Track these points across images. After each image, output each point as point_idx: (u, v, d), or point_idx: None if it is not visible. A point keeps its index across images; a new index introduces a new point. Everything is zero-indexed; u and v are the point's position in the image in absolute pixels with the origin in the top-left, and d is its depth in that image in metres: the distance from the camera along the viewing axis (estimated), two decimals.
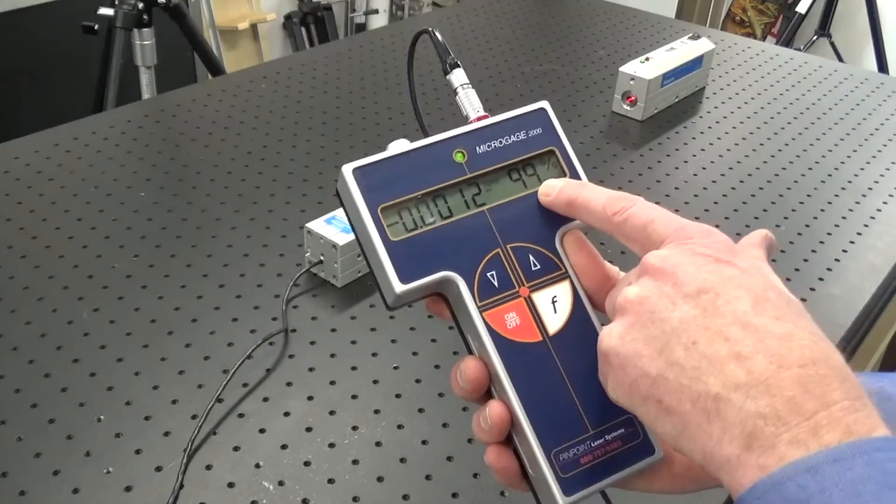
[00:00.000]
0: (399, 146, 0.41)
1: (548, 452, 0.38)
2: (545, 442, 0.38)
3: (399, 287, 0.38)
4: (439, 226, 0.40)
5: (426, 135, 0.42)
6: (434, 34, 0.48)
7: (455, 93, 0.46)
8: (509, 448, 0.39)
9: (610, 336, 0.36)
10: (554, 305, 0.40)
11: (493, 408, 0.38)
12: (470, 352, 0.40)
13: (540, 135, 0.43)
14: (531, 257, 0.41)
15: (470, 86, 0.46)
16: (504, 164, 0.42)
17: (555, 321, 0.40)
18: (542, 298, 0.40)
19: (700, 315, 0.33)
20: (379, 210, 0.39)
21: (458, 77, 0.47)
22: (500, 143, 0.42)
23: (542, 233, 0.41)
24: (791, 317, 0.33)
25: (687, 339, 0.33)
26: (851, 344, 0.79)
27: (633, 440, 0.39)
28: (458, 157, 0.41)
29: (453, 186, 0.40)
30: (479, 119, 0.44)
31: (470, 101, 0.46)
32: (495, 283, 0.40)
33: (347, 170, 0.39)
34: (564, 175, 0.42)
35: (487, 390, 0.40)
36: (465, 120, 0.45)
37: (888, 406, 0.39)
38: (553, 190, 0.41)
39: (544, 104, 0.43)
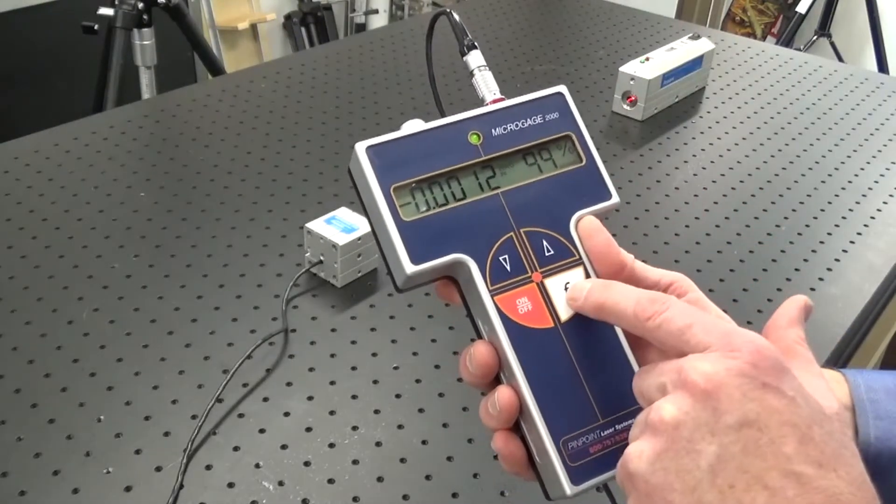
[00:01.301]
0: (413, 126, 0.40)
1: (556, 440, 0.38)
2: (554, 430, 0.38)
3: (410, 268, 0.38)
4: (452, 207, 0.39)
5: (443, 115, 0.42)
6: (452, 15, 0.48)
7: (471, 75, 0.46)
8: (517, 434, 0.39)
9: (640, 458, 0.33)
10: (566, 292, 0.40)
11: (502, 393, 0.38)
12: (480, 337, 0.40)
13: (557, 119, 0.42)
14: (545, 242, 0.40)
15: (486, 68, 0.46)
16: (520, 147, 0.41)
17: (567, 308, 0.40)
18: (554, 284, 0.40)
19: (740, 453, 0.31)
20: (392, 189, 0.39)
21: (475, 59, 0.46)
22: (517, 126, 0.41)
23: (556, 218, 0.41)
24: (833, 460, 0.31)
25: (723, 482, 0.31)
26: (851, 344, 0.79)
27: None
28: (474, 139, 0.41)
29: (467, 168, 0.40)
30: (495, 101, 0.44)
31: (486, 84, 0.45)
32: (507, 268, 0.39)
33: (361, 148, 0.39)
34: (580, 161, 0.42)
35: (496, 376, 0.39)
36: (480, 102, 0.44)
37: None
38: (580, 294, 0.39)
39: (562, 88, 0.43)
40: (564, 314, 0.39)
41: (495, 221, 0.40)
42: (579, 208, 0.41)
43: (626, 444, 0.38)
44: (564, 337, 0.39)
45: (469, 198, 0.40)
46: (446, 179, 0.40)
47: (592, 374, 0.39)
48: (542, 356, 0.39)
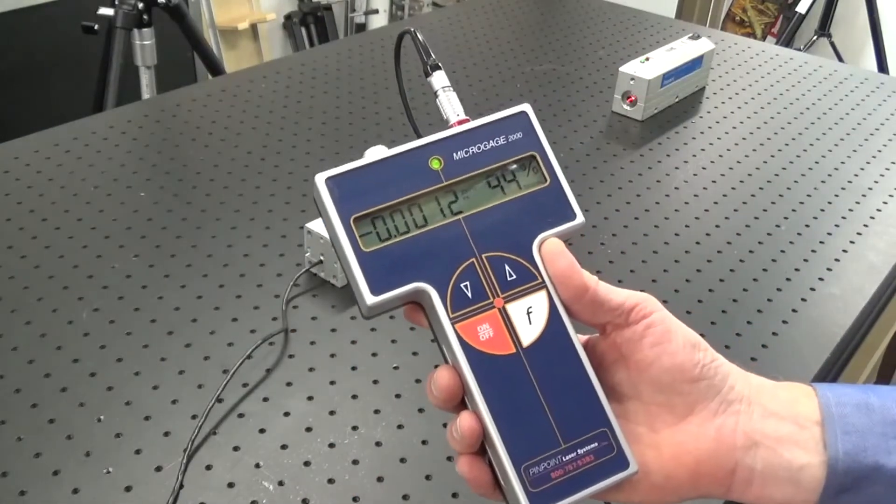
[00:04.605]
0: (376, 153, 0.40)
1: (517, 467, 0.37)
2: (515, 456, 0.38)
3: (370, 299, 0.38)
4: (413, 236, 0.39)
5: (418, 133, 0.42)
6: (416, 35, 0.47)
7: (436, 95, 0.46)
8: (483, 458, 0.39)
9: None
10: (529, 316, 0.39)
11: (464, 419, 0.38)
12: (445, 360, 0.40)
13: (520, 139, 0.41)
14: (507, 267, 0.40)
15: (451, 88, 0.45)
16: (482, 170, 0.41)
17: (529, 333, 0.39)
18: (516, 309, 0.39)
19: None
20: (351, 220, 0.38)
21: (439, 80, 0.46)
22: (479, 148, 0.41)
23: (518, 241, 0.40)
24: None
25: None
26: (851, 344, 0.79)
27: (606, 454, 0.39)
28: (435, 164, 0.40)
29: (429, 195, 0.40)
30: (459, 123, 0.43)
31: (451, 105, 0.45)
32: (469, 295, 0.39)
33: (320, 179, 0.39)
34: (545, 181, 0.41)
35: (462, 400, 0.39)
36: (445, 124, 0.44)
37: (870, 417, 0.38)
38: None
39: (525, 107, 0.42)
40: (526, 339, 0.39)
41: (456, 248, 0.39)
42: (542, 230, 0.40)
43: (589, 468, 0.38)
44: (526, 362, 0.39)
45: (430, 224, 0.39)
46: (407, 207, 0.39)
47: (554, 398, 0.39)
48: (503, 382, 0.38)
